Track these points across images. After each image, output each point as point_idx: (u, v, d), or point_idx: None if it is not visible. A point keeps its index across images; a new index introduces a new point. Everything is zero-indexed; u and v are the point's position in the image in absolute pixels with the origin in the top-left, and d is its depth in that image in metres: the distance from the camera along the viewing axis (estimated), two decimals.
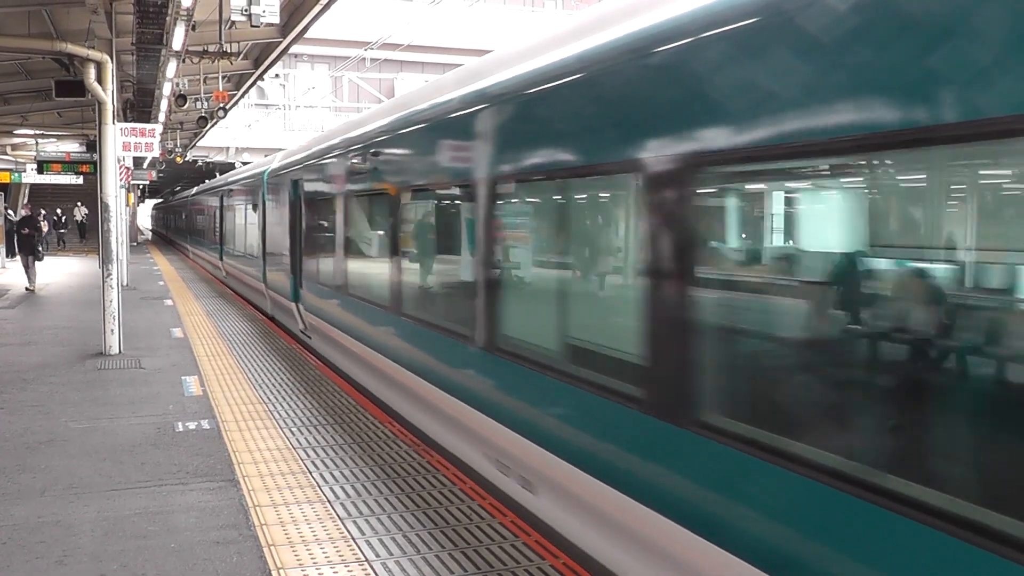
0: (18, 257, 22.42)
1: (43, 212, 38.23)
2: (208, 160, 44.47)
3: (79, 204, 45.93)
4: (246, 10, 13.43)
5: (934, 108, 2.81)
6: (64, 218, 44.35)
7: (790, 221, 4.04)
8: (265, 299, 17.30)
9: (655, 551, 4.27)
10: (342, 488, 6.45)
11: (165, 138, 31.62)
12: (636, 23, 4.40)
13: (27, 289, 20.74)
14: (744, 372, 3.93)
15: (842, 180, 3.69)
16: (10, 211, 30.74)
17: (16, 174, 33.97)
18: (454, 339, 6.71)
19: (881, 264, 3.45)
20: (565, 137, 5.05)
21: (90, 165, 26.24)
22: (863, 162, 3.34)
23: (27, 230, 21.30)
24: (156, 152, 14.76)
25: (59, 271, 28.15)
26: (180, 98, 20.59)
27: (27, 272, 21.05)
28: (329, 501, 6.17)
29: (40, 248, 21.82)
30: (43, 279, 24.05)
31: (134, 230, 46.30)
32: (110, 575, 4.99)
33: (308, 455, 7.31)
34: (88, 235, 44.36)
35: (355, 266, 10.23)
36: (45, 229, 38.24)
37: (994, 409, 2.88)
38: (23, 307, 18.37)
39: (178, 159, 33.76)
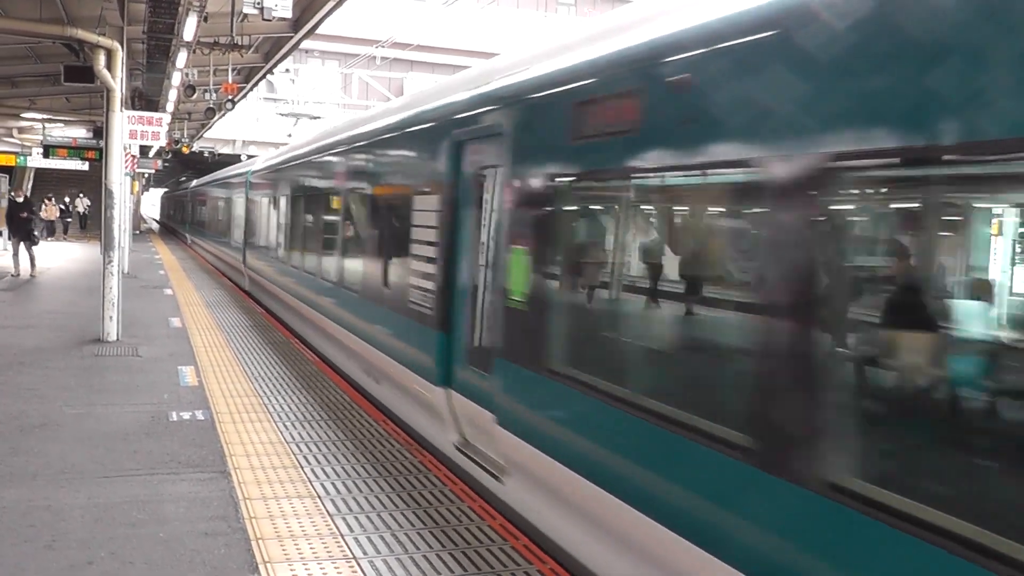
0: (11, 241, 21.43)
1: (51, 198, 38.07)
2: (214, 151, 44.50)
3: (81, 195, 44.96)
4: (259, 3, 13.45)
5: None
6: (72, 205, 42.88)
7: None
8: None
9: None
10: (333, 484, 6.45)
11: (172, 128, 31.63)
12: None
13: (30, 275, 20.37)
14: None
15: None
16: (13, 193, 30.52)
17: (22, 157, 33.97)
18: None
19: None
20: None
21: (96, 151, 26.28)
22: None
23: (25, 213, 20.79)
24: (163, 141, 14.80)
25: (60, 256, 28.16)
26: (189, 88, 20.62)
27: (15, 258, 20.56)
28: (319, 497, 6.17)
29: (36, 233, 21.21)
30: (44, 264, 24.06)
31: (137, 218, 46.30)
32: (98, 562, 4.99)
33: (301, 450, 7.31)
34: (89, 226, 42.78)
35: None
36: (56, 215, 38.12)
37: None
38: (22, 291, 18.39)
39: (184, 149, 33.78)
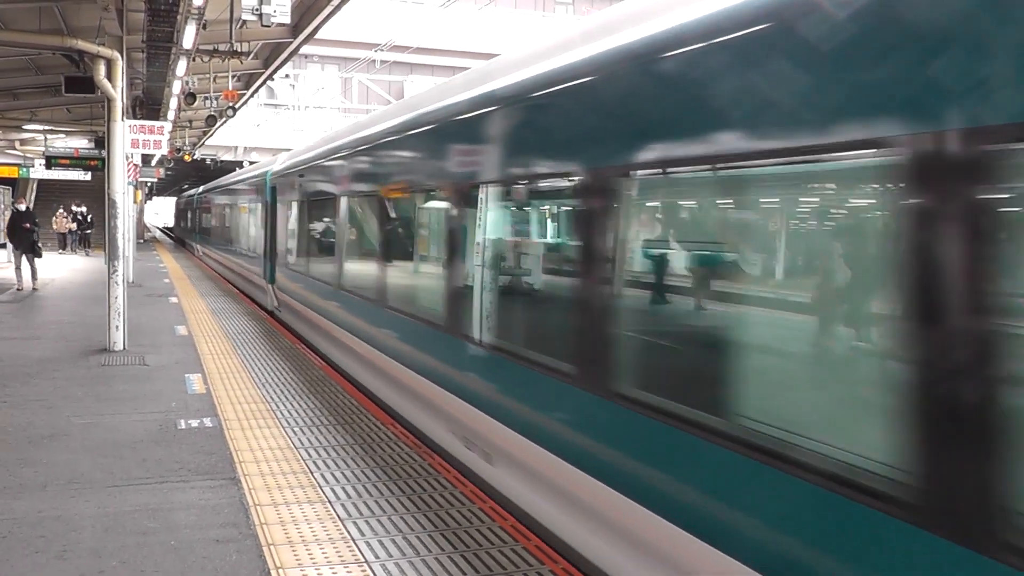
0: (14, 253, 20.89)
1: (62, 208, 37.37)
2: (216, 159, 44.54)
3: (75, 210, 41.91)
4: (257, 9, 13.45)
5: None
6: (91, 217, 37.70)
7: None
8: None
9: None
10: (343, 489, 6.44)
11: (174, 136, 31.66)
12: None
13: (20, 289, 20.03)
14: None
15: None
16: (15, 202, 30.38)
17: (24, 169, 34.00)
18: None
19: None
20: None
21: (98, 161, 26.31)
22: None
23: (27, 224, 20.40)
24: (164, 150, 14.81)
25: (63, 267, 28.21)
26: (189, 96, 20.63)
27: (18, 271, 20.30)
28: (330, 501, 6.16)
29: (39, 244, 20.76)
30: (48, 275, 24.09)
31: (141, 227, 46.35)
32: (109, 571, 4.98)
33: (310, 455, 7.30)
34: (91, 245, 37.72)
35: None
36: (68, 228, 37.26)
37: None
38: (27, 302, 18.41)
39: (186, 157, 33.81)
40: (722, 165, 4.01)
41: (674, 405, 4.22)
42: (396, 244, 9.35)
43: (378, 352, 9.23)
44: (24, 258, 20.36)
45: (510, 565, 5.13)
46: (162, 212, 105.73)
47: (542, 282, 6.46)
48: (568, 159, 5.36)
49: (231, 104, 21.26)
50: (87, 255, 35.17)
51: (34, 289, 20.35)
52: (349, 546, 5.36)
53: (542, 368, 5.46)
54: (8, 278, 21.53)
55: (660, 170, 4.48)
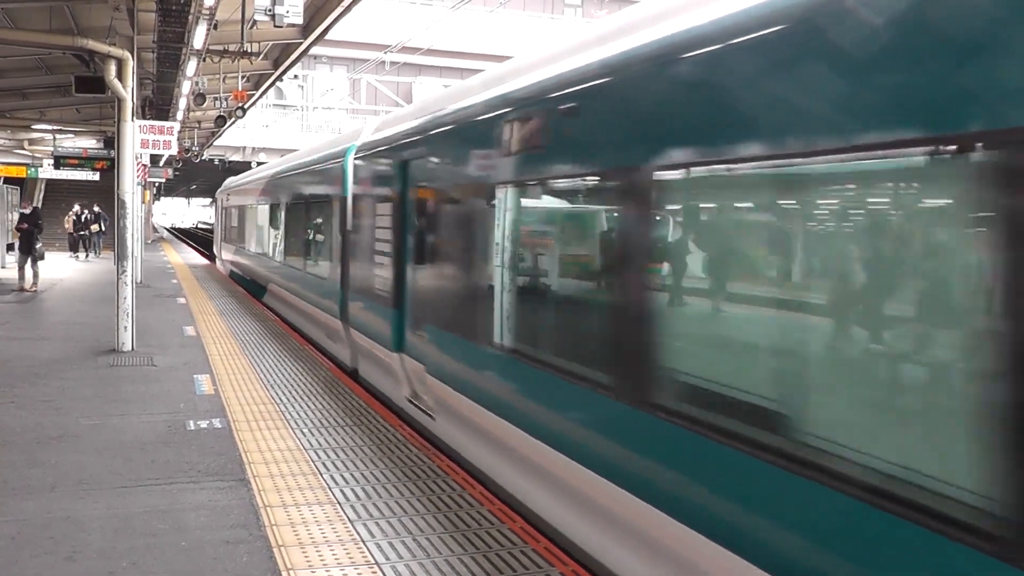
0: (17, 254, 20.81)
1: (77, 207, 36.45)
2: (225, 159, 44.61)
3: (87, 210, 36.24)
4: (270, 10, 13.45)
5: None
6: (84, 216, 34.06)
7: None
8: None
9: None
10: (352, 490, 6.42)
11: (183, 136, 31.69)
12: None
13: (23, 289, 19.89)
14: None
15: None
16: (22, 209, 30.20)
17: (32, 169, 34.01)
18: None
19: None
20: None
21: (107, 162, 26.36)
22: None
23: (27, 225, 20.26)
24: (173, 150, 14.80)
25: (68, 268, 28.25)
26: (199, 97, 20.66)
27: (20, 271, 20.22)
28: (339, 503, 6.14)
29: (39, 246, 20.44)
30: (56, 275, 24.13)
31: (149, 229, 46.43)
32: (119, 573, 4.96)
33: (319, 456, 7.29)
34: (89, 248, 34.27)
35: None
36: (71, 228, 36.23)
37: None
38: (34, 303, 18.43)
39: (195, 158, 33.84)
40: None
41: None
42: None
43: None
44: (28, 259, 20.31)
45: (519, 567, 5.10)
46: (169, 213, 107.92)
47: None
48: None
49: (240, 104, 21.29)
50: (80, 259, 32.51)
51: (28, 290, 20.06)
52: (359, 547, 5.34)
53: None
54: (14, 278, 21.50)
55: None
